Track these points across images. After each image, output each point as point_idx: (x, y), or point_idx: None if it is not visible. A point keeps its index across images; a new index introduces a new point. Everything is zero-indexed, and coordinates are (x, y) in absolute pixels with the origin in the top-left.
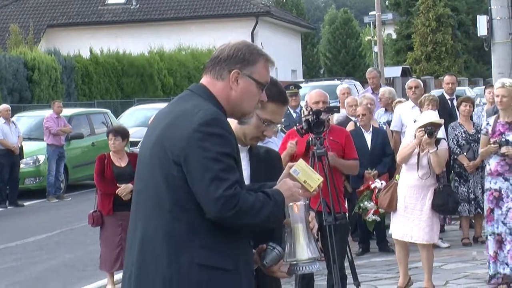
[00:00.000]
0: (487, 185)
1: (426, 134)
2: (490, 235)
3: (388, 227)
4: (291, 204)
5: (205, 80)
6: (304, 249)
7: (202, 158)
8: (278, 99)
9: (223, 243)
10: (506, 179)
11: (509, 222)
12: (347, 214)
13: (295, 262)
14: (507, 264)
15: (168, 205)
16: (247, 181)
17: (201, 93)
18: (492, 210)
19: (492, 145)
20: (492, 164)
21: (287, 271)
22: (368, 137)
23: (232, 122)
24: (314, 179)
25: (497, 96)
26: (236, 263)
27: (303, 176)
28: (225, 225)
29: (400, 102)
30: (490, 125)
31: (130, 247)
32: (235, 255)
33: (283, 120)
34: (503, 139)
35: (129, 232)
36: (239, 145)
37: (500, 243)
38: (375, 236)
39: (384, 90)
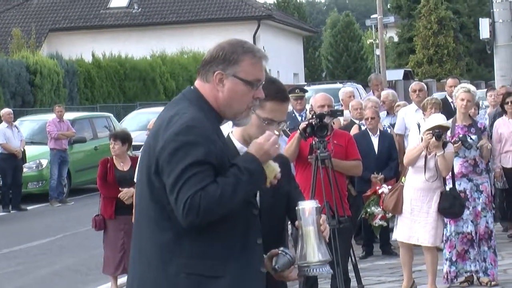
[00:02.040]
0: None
1: (433, 137)
2: (456, 234)
3: (392, 230)
4: (303, 207)
5: (197, 83)
6: (315, 251)
7: (175, 168)
8: (276, 97)
9: (211, 250)
10: (470, 180)
11: (479, 223)
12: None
13: (306, 264)
14: (478, 261)
15: (154, 215)
16: None
17: (192, 96)
18: None
19: (455, 145)
20: (456, 165)
21: (297, 272)
22: (375, 140)
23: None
24: (271, 169)
25: (463, 100)
26: (225, 269)
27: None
28: (210, 224)
29: (399, 105)
30: None
31: (132, 255)
32: (225, 260)
33: (288, 123)
34: (461, 135)
35: (133, 238)
36: (245, 148)
37: (470, 241)
38: (379, 239)
39: (387, 93)
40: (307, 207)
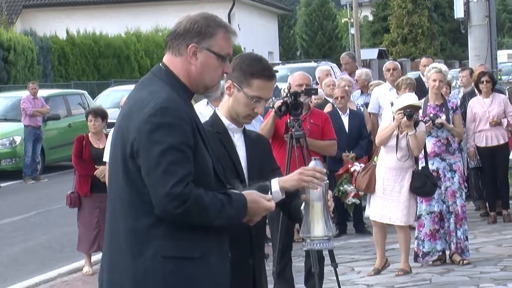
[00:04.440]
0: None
1: (405, 117)
2: (428, 214)
3: (364, 208)
4: None
5: (166, 58)
6: (321, 226)
7: (152, 150)
8: (263, 75)
9: (188, 231)
10: (443, 159)
11: (447, 201)
12: None
13: (310, 238)
14: (446, 240)
15: (128, 198)
16: (243, 160)
17: (162, 75)
18: None
19: (426, 124)
20: (428, 145)
21: (303, 247)
22: (345, 119)
23: (225, 103)
24: None
25: (434, 80)
26: (204, 249)
27: None
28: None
29: (372, 85)
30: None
31: (105, 236)
32: (203, 241)
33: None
34: (432, 115)
35: (106, 219)
36: (234, 126)
37: (440, 220)
38: (352, 218)
39: (360, 72)
40: None
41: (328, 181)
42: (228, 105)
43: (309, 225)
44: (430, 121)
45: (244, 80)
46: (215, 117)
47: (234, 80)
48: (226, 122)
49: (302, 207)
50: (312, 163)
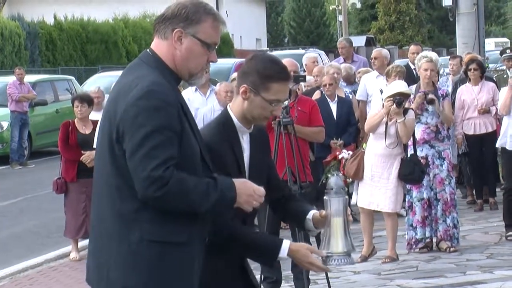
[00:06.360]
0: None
1: (394, 104)
2: (418, 201)
3: (351, 196)
4: (331, 198)
5: (154, 42)
6: (340, 242)
7: (136, 134)
8: (281, 78)
9: (175, 216)
10: (432, 146)
11: (435, 188)
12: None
13: (330, 254)
14: (432, 227)
15: (115, 183)
16: (246, 162)
17: (149, 61)
18: None
19: (418, 94)
20: (418, 132)
21: (323, 262)
22: (333, 106)
23: (238, 105)
24: None
25: (426, 70)
26: (190, 234)
27: None
28: (155, 206)
29: (359, 72)
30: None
31: (92, 220)
32: (189, 226)
33: None
34: (426, 91)
35: (92, 203)
36: (244, 128)
37: (428, 207)
38: None
39: (344, 66)
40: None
41: (347, 197)
42: (243, 108)
43: (328, 240)
44: (423, 93)
45: (260, 84)
46: (227, 116)
47: (250, 84)
48: (237, 123)
49: (309, 216)
50: (333, 179)
